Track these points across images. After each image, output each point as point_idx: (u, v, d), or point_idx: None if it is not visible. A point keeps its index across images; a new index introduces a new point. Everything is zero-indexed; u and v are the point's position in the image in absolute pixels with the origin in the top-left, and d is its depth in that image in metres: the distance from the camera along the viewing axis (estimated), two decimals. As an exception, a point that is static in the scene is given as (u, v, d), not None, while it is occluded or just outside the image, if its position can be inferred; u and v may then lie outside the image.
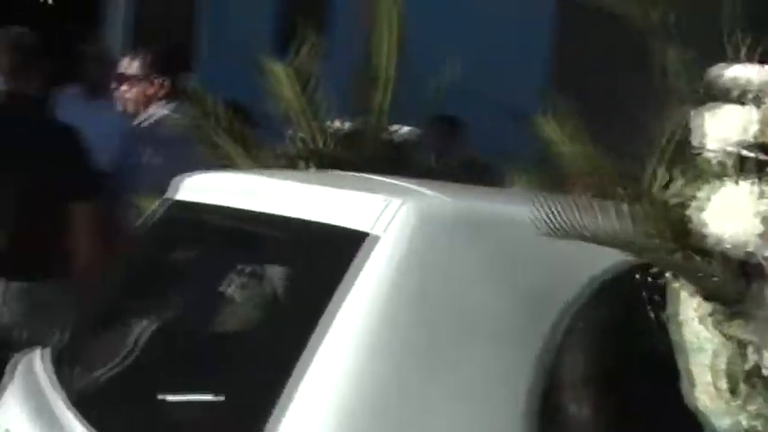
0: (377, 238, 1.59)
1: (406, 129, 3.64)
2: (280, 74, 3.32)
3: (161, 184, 3.93)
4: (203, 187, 2.52)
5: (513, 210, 1.79)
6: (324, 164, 3.39)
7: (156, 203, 2.82)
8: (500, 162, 3.93)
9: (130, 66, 4.22)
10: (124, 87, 4.26)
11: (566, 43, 6.67)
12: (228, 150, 3.37)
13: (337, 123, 3.49)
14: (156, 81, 4.16)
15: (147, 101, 4.16)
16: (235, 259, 2.37)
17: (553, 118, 3.69)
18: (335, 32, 6.11)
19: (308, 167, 3.26)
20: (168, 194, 2.73)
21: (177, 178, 2.72)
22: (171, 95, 4.16)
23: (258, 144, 3.38)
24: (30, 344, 3.61)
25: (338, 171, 2.79)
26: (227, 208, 2.23)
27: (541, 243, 1.69)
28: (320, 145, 3.37)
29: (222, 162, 3.31)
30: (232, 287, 2.32)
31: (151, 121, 4.13)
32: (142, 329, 2.53)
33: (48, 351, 2.76)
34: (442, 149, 5.09)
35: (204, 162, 4.00)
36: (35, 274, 3.69)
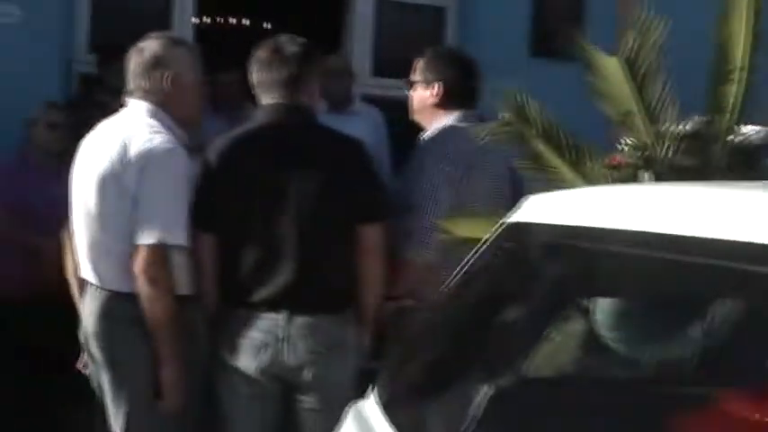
0: None
1: (754, 128, 3.08)
2: (612, 69, 2.83)
3: (462, 204, 3.53)
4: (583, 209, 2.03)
5: None
6: (662, 172, 2.89)
7: (497, 227, 2.34)
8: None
9: (414, 72, 3.80)
10: (410, 94, 3.84)
11: None
12: (552, 161, 2.91)
13: (672, 126, 2.97)
14: (434, 86, 3.71)
15: (431, 108, 3.71)
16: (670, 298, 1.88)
17: None
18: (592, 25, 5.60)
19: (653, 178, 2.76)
20: (519, 218, 2.26)
21: (531, 199, 2.24)
22: (454, 104, 3.71)
23: (587, 153, 2.91)
24: (318, 385, 3.26)
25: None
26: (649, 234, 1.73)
27: None
28: (659, 151, 2.86)
29: (549, 176, 2.85)
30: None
31: (435, 132, 3.69)
32: (513, 374, 2.09)
33: (377, 397, 2.34)
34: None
35: (502, 176, 3.56)
36: (321, 306, 3.25)
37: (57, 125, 4.89)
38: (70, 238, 3.47)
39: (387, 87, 5.96)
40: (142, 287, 3.16)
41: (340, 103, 5.60)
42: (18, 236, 4.66)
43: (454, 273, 2.44)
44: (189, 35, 6.08)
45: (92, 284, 3.33)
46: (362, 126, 5.66)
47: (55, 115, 4.90)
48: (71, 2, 5.54)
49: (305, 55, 3.39)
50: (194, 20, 6.34)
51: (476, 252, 2.39)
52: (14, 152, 4.89)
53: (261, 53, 3.40)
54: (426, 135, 3.76)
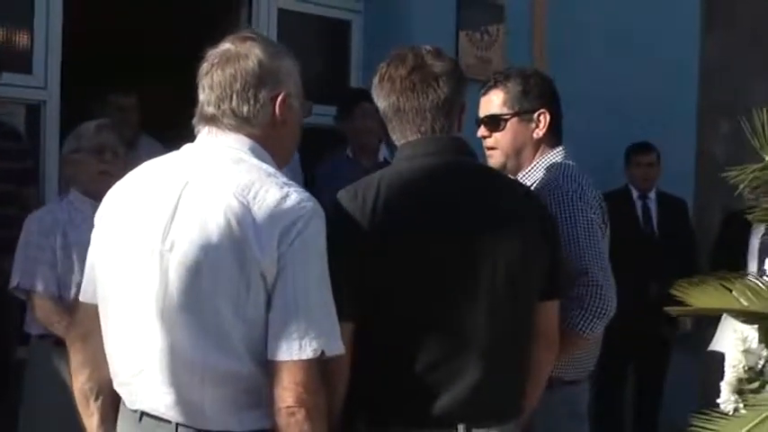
0: None
1: None
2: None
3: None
4: None
5: None
6: None
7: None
8: None
9: (493, 105, 2.87)
10: (489, 136, 2.88)
11: None
12: None
13: None
14: (539, 117, 2.81)
15: (534, 146, 2.82)
16: None
17: None
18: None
19: None
20: None
21: None
22: (557, 138, 2.85)
23: None
24: None
25: None
26: None
27: None
28: None
29: None
30: None
31: (562, 172, 2.77)
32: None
33: None
34: None
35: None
36: (506, 412, 2.37)
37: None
38: (86, 338, 2.29)
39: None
40: (297, 426, 2.04)
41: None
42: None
43: None
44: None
45: (163, 421, 2.15)
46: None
47: None
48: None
49: (456, 72, 2.45)
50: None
51: None
52: None
53: (393, 70, 2.41)
54: (546, 178, 2.87)
